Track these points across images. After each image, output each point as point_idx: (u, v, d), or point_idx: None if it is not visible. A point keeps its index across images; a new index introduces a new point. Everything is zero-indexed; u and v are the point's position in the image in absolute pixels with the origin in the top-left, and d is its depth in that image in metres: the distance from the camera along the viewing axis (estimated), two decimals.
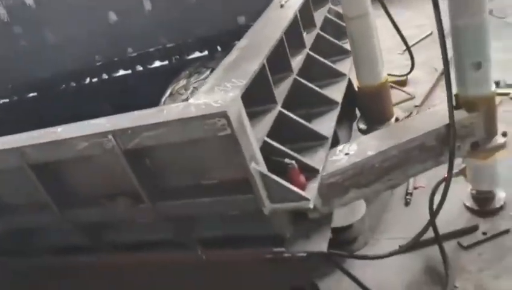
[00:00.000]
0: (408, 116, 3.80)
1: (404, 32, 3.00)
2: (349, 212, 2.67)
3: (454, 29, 2.18)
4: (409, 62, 3.25)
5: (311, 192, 1.96)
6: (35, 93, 5.22)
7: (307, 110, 2.62)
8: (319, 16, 3.34)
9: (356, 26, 2.71)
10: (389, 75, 4.04)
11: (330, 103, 2.63)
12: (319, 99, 2.64)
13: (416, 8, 6.00)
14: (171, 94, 3.40)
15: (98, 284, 2.79)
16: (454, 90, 2.34)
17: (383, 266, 2.53)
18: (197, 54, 4.37)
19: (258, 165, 1.86)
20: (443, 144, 2.23)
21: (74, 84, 5.01)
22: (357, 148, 2.25)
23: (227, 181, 2.01)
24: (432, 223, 2.36)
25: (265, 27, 2.62)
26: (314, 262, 2.39)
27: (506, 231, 2.51)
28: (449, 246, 2.55)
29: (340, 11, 3.19)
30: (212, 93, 1.90)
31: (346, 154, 2.23)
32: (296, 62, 2.68)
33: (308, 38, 2.99)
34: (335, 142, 2.69)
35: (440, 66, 4.05)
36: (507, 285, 2.33)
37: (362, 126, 3.00)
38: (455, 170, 2.55)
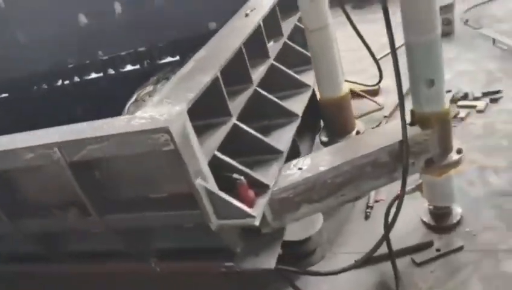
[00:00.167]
0: (377, 126, 3.82)
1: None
2: (307, 226, 2.66)
3: (407, 46, 2.17)
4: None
5: (258, 208, 1.93)
6: (6, 94, 5.14)
7: (267, 122, 2.60)
8: (288, 24, 3.31)
9: (316, 39, 2.69)
10: (359, 84, 4.08)
11: (290, 115, 2.60)
12: (279, 111, 2.59)
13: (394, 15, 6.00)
14: (136, 100, 3.36)
15: None
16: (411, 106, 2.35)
17: (338, 281, 2.52)
18: (169, 59, 4.32)
19: (205, 181, 1.84)
20: (396, 161, 2.22)
21: (46, 86, 4.94)
22: (310, 163, 2.23)
23: (176, 195, 1.99)
24: (385, 238, 2.36)
25: (226, 37, 2.58)
26: (266, 277, 2.38)
27: (460, 248, 2.51)
28: (403, 262, 2.54)
29: None
30: (160, 106, 1.86)
31: (300, 169, 2.21)
32: (258, 73, 2.63)
33: (274, 48, 2.94)
34: (296, 155, 2.67)
35: None
36: None
37: (324, 138, 2.98)
38: (412, 186, 2.56)
